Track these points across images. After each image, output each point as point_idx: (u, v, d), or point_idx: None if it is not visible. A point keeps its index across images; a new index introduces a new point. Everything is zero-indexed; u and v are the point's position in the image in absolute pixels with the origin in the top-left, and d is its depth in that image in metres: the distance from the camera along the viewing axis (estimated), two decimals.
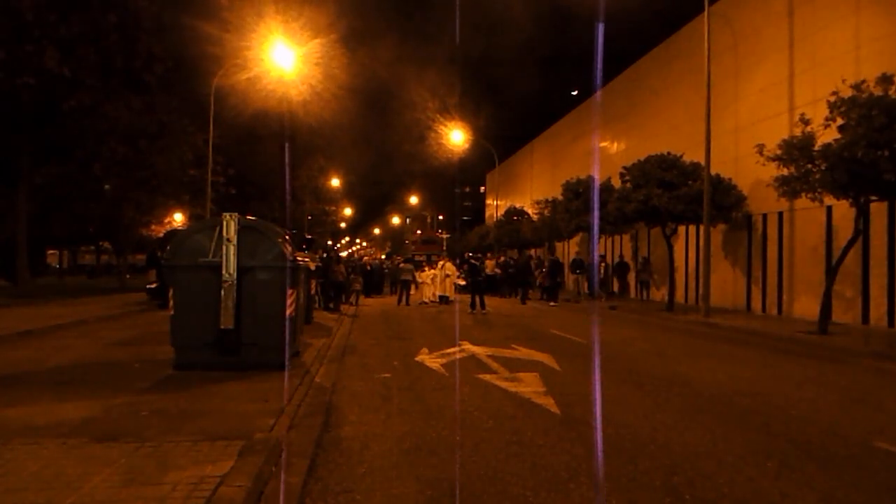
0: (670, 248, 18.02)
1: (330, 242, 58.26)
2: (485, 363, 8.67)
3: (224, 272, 7.36)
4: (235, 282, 7.39)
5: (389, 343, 11.06)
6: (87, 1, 17.68)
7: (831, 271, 12.86)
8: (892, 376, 8.47)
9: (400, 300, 21.49)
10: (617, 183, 19.53)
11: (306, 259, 10.86)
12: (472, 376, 7.67)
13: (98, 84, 18.43)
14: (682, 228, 19.05)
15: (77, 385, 6.65)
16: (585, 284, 23.98)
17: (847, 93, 10.98)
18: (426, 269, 23.71)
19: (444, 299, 21.33)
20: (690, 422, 5.55)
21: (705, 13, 16.02)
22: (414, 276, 22.54)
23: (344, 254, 55.86)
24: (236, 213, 7.65)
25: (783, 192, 12.42)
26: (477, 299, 17.93)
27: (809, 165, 11.69)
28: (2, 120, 18.74)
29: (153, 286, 17.29)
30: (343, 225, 79.27)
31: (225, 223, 7.47)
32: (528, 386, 7.04)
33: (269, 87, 29.09)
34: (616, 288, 25.61)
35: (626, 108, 27.02)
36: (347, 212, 72.08)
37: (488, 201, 53.66)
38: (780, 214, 16.64)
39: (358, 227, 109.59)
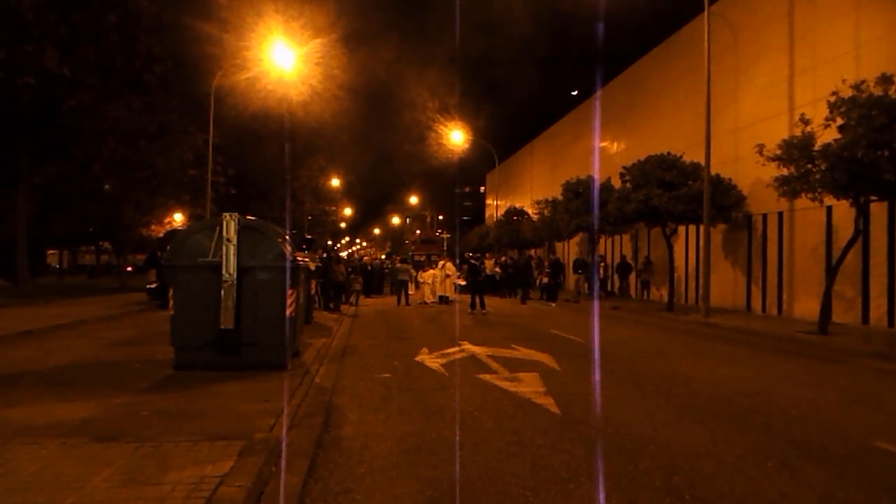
0: (670, 248, 18.02)
1: (330, 242, 58.27)
2: (485, 363, 8.67)
3: (224, 272, 7.36)
4: (235, 282, 7.39)
5: (389, 343, 11.06)
6: (87, 1, 17.67)
7: (831, 271, 12.86)
8: (892, 376, 8.47)
9: (399, 300, 21.52)
10: (617, 183, 19.53)
11: (306, 259, 10.85)
12: (472, 376, 7.67)
13: (98, 84, 18.43)
14: (682, 228, 19.05)
15: (77, 385, 6.65)
16: (585, 285, 23.99)
17: (847, 93, 10.98)
18: (426, 268, 23.75)
19: (444, 299, 21.34)
20: (690, 422, 5.55)
21: (705, 13, 16.02)
22: (411, 276, 22.65)
23: (344, 254, 55.89)
24: (236, 213, 7.65)
25: (783, 192, 12.42)
26: (477, 299, 17.92)
27: (809, 165, 11.69)
28: (2, 120, 18.74)
29: (153, 286, 17.29)
30: (343, 225, 79.26)
31: (225, 223, 7.47)
32: (528, 386, 7.04)
33: (269, 87, 29.09)
34: (616, 288, 25.62)
35: (626, 108, 27.02)
36: (347, 212, 72.09)
37: (488, 201, 53.66)
38: (780, 214, 16.64)
39: (358, 227, 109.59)
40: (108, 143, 20.26)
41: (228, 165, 29.82)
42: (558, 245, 30.56)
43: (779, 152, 12.06)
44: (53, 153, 21.10)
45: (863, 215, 12.12)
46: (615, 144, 28.15)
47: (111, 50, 18.52)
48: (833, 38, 15.21)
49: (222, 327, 7.35)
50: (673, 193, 16.54)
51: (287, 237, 8.74)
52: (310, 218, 49.26)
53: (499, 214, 38.25)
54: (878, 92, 10.60)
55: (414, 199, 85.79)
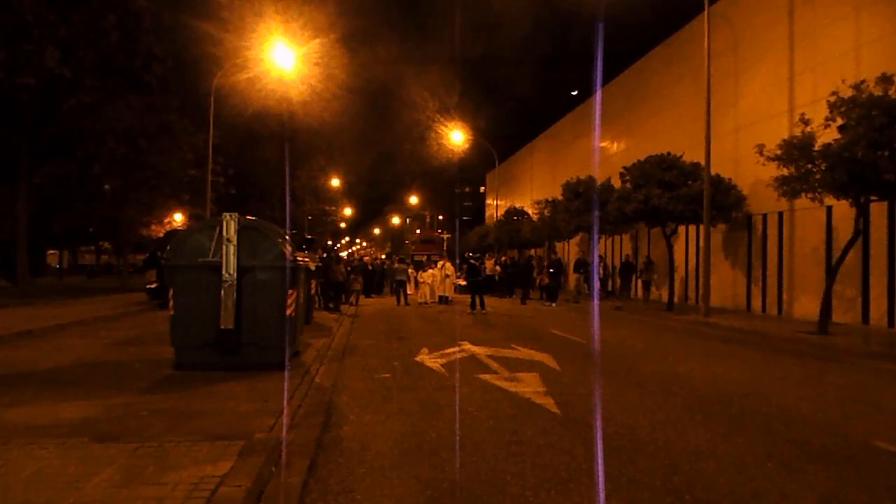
0: (670, 248, 18.02)
1: (330, 242, 58.29)
2: (485, 363, 8.67)
3: (224, 272, 7.36)
4: (235, 282, 7.39)
5: (389, 343, 11.06)
6: (87, 1, 17.68)
7: (831, 271, 12.86)
8: (892, 376, 8.47)
9: (399, 300, 21.52)
10: (617, 183, 19.53)
11: (306, 259, 10.85)
12: (471, 376, 7.67)
13: (98, 84, 18.44)
14: (682, 228, 19.05)
15: (77, 385, 6.65)
16: (586, 285, 23.99)
17: (847, 93, 10.99)
18: (426, 268, 23.78)
19: (443, 299, 21.34)
20: (690, 421, 5.55)
21: (705, 13, 16.02)
22: (409, 276, 22.69)
23: (344, 254, 55.90)
24: (236, 213, 7.65)
25: (783, 192, 12.42)
26: (477, 299, 17.92)
27: (809, 165, 11.69)
28: (2, 120, 18.75)
29: (153, 286, 17.28)
30: (343, 225, 79.33)
31: (225, 223, 7.47)
32: (528, 386, 7.04)
33: (269, 87, 29.13)
34: (616, 288, 25.61)
35: (626, 108, 27.02)
36: (347, 212, 72.13)
37: (488, 201, 53.66)
38: (780, 214, 16.64)
39: (358, 227, 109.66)
40: (108, 142, 20.28)
41: (228, 165, 29.84)
42: (558, 245, 30.55)
43: (779, 152, 12.06)
44: (53, 153, 21.12)
45: (863, 215, 12.13)
46: (615, 144, 28.15)
47: (111, 50, 18.54)
48: (833, 38, 15.21)
49: (222, 327, 7.35)
50: (673, 193, 16.54)
51: (287, 237, 8.74)
52: (310, 218, 49.27)
53: (499, 214, 38.23)
54: (878, 92, 10.60)
55: (414, 199, 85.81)
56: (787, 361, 9.44)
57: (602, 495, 3.80)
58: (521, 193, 42.24)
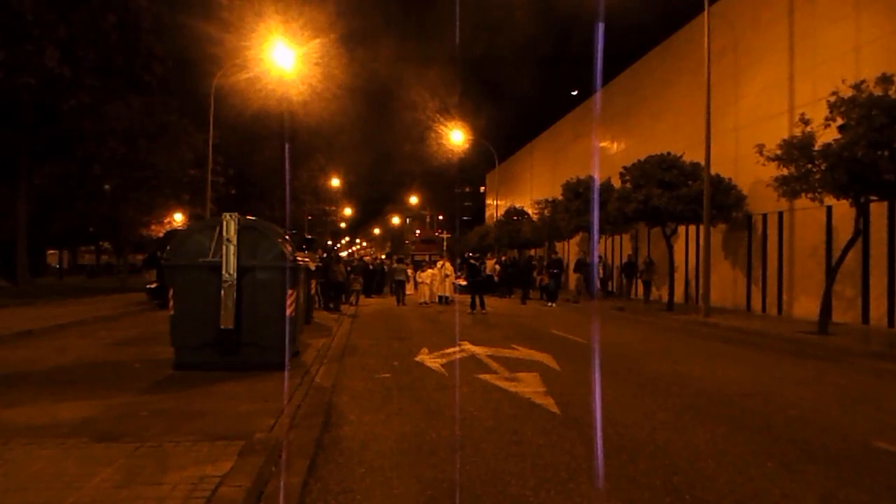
0: (670, 248, 18.02)
1: (330, 242, 58.30)
2: (485, 363, 8.67)
3: (224, 272, 7.36)
4: (235, 282, 7.39)
5: (389, 343, 11.06)
6: (87, 1, 17.68)
7: (831, 271, 12.86)
8: (892, 376, 8.47)
9: (399, 300, 21.53)
10: (617, 183, 19.54)
11: (306, 259, 10.85)
12: (472, 376, 7.67)
13: (98, 84, 18.43)
14: (682, 228, 19.05)
15: (77, 385, 6.65)
16: (585, 285, 23.99)
17: (847, 93, 10.99)
18: (425, 268, 23.80)
19: (444, 299, 21.34)
20: (690, 422, 5.55)
21: (705, 13, 16.02)
22: (408, 276, 22.74)
23: (344, 254, 55.90)
24: (236, 213, 7.65)
25: (783, 192, 12.42)
26: (477, 299, 17.92)
27: (809, 165, 11.69)
28: (2, 120, 18.75)
29: (153, 286, 17.28)
30: (343, 225, 79.30)
31: (225, 223, 7.47)
32: (528, 386, 7.04)
33: (269, 87, 29.11)
34: (615, 287, 25.61)
35: (626, 108, 27.02)
36: (347, 212, 72.12)
37: (488, 201, 53.66)
38: (780, 214, 16.64)
39: (358, 227, 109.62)
40: (108, 143, 20.27)
41: (228, 165, 29.85)
42: (558, 245, 30.55)
43: (779, 152, 12.06)
44: (53, 153, 21.11)
45: (863, 215, 12.13)
46: (615, 144, 28.15)
47: (111, 50, 18.53)
48: (833, 38, 15.21)
49: (222, 327, 7.35)
50: (673, 193, 16.54)
51: (287, 237, 8.74)
52: (310, 218, 49.27)
53: (499, 214, 38.24)
54: (878, 92, 10.60)
55: (414, 199, 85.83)
56: (787, 361, 9.44)
57: (602, 495, 3.80)
58: (521, 193, 42.25)
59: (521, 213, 34.52)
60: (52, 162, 21.73)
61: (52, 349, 9.33)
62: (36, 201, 21.73)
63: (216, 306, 7.33)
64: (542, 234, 28.86)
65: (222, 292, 7.33)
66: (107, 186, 23.97)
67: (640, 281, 23.07)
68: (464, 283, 20.89)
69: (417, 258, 42.09)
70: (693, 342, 11.64)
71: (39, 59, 16.45)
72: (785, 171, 12.18)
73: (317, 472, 4.19)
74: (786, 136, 12.47)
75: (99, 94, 18.72)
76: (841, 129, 11.07)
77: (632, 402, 6.30)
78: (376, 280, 26.82)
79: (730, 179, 17.34)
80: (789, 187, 12.13)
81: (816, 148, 11.49)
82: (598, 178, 23.07)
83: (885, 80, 10.63)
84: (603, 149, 28.82)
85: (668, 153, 17.72)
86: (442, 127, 48.32)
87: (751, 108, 18.13)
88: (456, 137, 44.84)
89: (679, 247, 20.20)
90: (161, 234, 28.16)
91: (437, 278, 21.73)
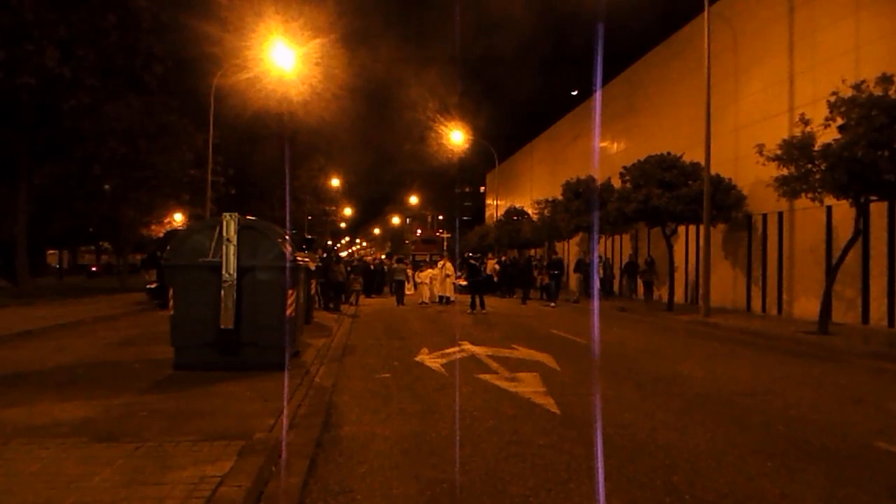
0: (670, 248, 18.02)
1: (330, 242, 58.28)
2: (485, 363, 8.67)
3: (224, 272, 7.36)
4: (235, 282, 7.39)
5: (389, 343, 11.06)
6: (87, 1, 17.66)
7: (831, 271, 12.86)
8: (892, 376, 8.47)
9: (399, 300, 21.53)
10: (617, 183, 19.53)
11: (306, 259, 10.85)
12: (472, 376, 7.67)
13: (98, 84, 18.41)
14: (682, 228, 19.05)
15: (77, 385, 6.65)
16: (585, 285, 23.99)
17: (847, 93, 10.98)
18: (424, 268, 23.82)
19: (444, 299, 21.34)
20: (690, 421, 5.55)
21: (705, 13, 16.02)
22: (407, 276, 22.76)
23: (344, 254, 55.89)
24: (236, 213, 7.65)
25: (783, 192, 12.41)
26: (477, 299, 17.92)
27: (809, 165, 11.69)
28: (2, 120, 18.74)
29: (153, 286, 17.28)
30: (343, 225, 79.29)
31: (225, 223, 7.47)
32: (528, 386, 7.04)
33: (269, 87, 29.10)
34: (617, 288, 25.60)
35: (626, 108, 27.01)
36: (347, 212, 72.12)
37: (488, 201, 53.65)
38: (780, 214, 16.64)
39: (358, 227, 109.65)
40: (108, 143, 20.25)
41: (228, 165, 29.82)
42: (558, 245, 30.56)
43: (779, 152, 12.05)
44: (53, 153, 21.09)
45: (863, 215, 12.12)
46: (615, 144, 28.14)
47: (111, 50, 18.51)
48: (833, 39, 15.21)
49: (222, 327, 7.35)
50: (673, 193, 16.53)
51: (287, 237, 8.73)
52: (310, 218, 49.26)
53: (499, 214, 38.24)
54: (878, 92, 10.60)
55: (414, 199, 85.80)
56: (787, 361, 9.44)
57: (602, 495, 3.80)
58: (521, 193, 42.24)
59: (521, 213, 34.53)
60: (52, 162, 21.71)
61: (52, 349, 9.33)
62: (36, 201, 21.70)
63: (216, 306, 7.33)
64: (542, 234, 28.86)
65: (222, 292, 7.34)
66: (107, 186, 23.95)
67: (641, 281, 23.07)
68: (464, 283, 20.89)
69: (418, 258, 42.08)
70: (693, 342, 11.64)
71: (39, 59, 16.43)
72: (785, 171, 12.18)
73: (317, 472, 4.19)
74: (786, 136, 12.46)
75: (99, 94, 18.68)
76: (841, 129, 11.07)
77: (632, 402, 6.30)
78: (376, 280, 26.83)
79: (730, 179, 17.34)
80: (789, 187, 12.13)
81: (816, 148, 11.48)
82: (598, 178, 23.06)
83: (885, 80, 10.62)
84: (603, 149, 28.81)
85: (668, 153, 17.71)
86: (442, 127, 48.36)
87: (751, 108, 18.13)
88: (456, 137, 44.87)
89: (679, 247, 20.20)
90: (161, 234, 28.19)
91: (437, 278, 21.73)
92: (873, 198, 11.72)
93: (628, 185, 17.97)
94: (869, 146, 10.29)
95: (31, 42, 16.43)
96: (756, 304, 17.68)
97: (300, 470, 4.10)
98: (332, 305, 17.94)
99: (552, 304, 21.03)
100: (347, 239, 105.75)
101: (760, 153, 12.39)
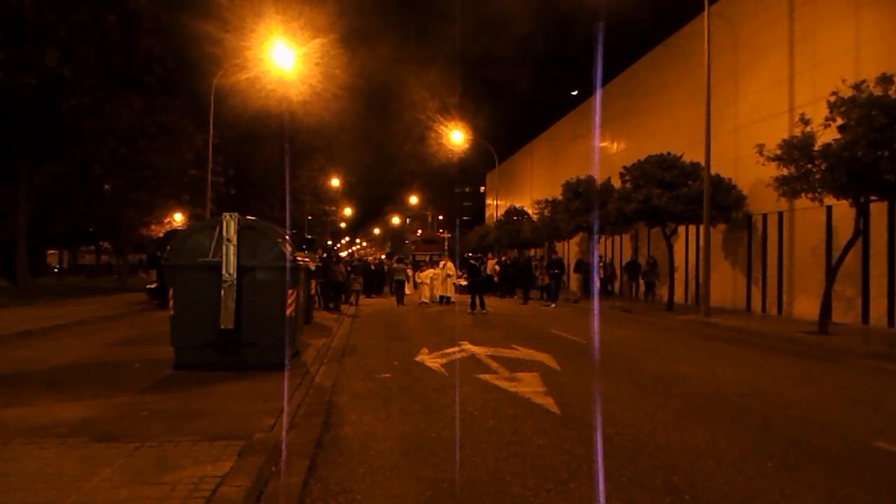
0: (670, 248, 18.02)
1: (330, 242, 58.29)
2: (485, 363, 8.67)
3: (224, 272, 7.36)
4: (235, 282, 7.39)
5: (389, 343, 11.06)
6: (87, 1, 17.66)
7: (831, 271, 12.86)
8: (892, 376, 8.47)
9: (399, 300, 21.54)
10: (617, 183, 19.53)
11: (306, 259, 10.85)
12: (472, 376, 7.67)
13: (98, 84, 18.41)
14: (682, 228, 19.05)
15: (77, 385, 6.65)
16: (585, 285, 23.98)
17: (847, 93, 10.98)
18: (424, 268, 23.82)
19: (444, 299, 21.34)
20: (690, 421, 5.55)
21: (705, 13, 16.02)
22: (407, 276, 22.78)
23: (344, 254, 55.90)
24: (236, 213, 7.65)
25: (783, 192, 12.42)
26: (477, 299, 17.92)
27: (809, 165, 11.69)
28: (2, 120, 18.73)
29: (153, 286, 17.29)
30: (343, 225, 79.30)
31: (225, 223, 7.47)
32: (528, 386, 7.04)
33: (269, 87, 29.11)
34: (618, 288, 25.59)
35: (626, 108, 27.02)
36: (347, 212, 72.14)
37: (488, 201, 53.65)
38: (780, 214, 16.64)
39: (358, 227, 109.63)
40: (108, 143, 20.24)
41: (228, 165, 29.82)
42: (558, 245, 30.56)
43: (779, 152, 12.06)
44: (53, 153, 21.08)
45: (863, 215, 12.12)
46: (615, 144, 28.15)
47: (111, 50, 18.50)
48: (833, 38, 15.21)
49: (222, 327, 7.35)
50: (673, 193, 16.53)
51: (287, 237, 8.74)
52: (310, 218, 49.27)
53: (499, 214, 38.24)
54: (878, 92, 10.60)
55: (414, 199, 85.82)
56: (788, 361, 9.44)
57: (602, 495, 3.80)
58: (521, 193, 42.24)
59: (521, 213, 34.53)
60: (52, 162, 21.69)
61: (52, 349, 9.33)
62: (36, 201, 21.68)
63: (216, 306, 7.33)
64: (542, 234, 28.85)
65: (222, 292, 7.34)
66: (107, 186, 23.93)
67: (642, 281, 23.06)
68: (464, 283, 20.89)
69: (418, 258, 42.07)
70: (693, 342, 11.64)
71: (39, 59, 16.43)
72: (785, 171, 12.18)
73: (317, 472, 4.19)
74: (786, 136, 12.47)
75: (99, 94, 18.68)
76: (841, 129, 11.07)
77: (632, 402, 6.30)
78: (376, 280, 26.83)
79: (730, 179, 17.34)
80: (789, 187, 12.13)
81: (816, 148, 11.48)
82: (598, 178, 23.06)
83: (885, 80, 10.62)
84: (603, 149, 28.81)
85: (668, 153, 17.72)
86: (442, 127, 48.35)
87: (751, 108, 18.13)
88: (456, 137, 44.87)
89: (679, 247, 20.20)
90: (161, 234, 28.19)
91: (438, 278, 21.73)
92: (873, 198, 11.72)
93: (628, 185, 17.98)
94: (869, 146, 10.29)
95: (31, 42, 16.43)
96: (756, 304, 17.68)
97: (300, 470, 4.10)
98: (332, 305, 17.94)
99: (552, 304, 21.03)
100: (347, 239, 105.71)
101: (760, 153, 12.40)
